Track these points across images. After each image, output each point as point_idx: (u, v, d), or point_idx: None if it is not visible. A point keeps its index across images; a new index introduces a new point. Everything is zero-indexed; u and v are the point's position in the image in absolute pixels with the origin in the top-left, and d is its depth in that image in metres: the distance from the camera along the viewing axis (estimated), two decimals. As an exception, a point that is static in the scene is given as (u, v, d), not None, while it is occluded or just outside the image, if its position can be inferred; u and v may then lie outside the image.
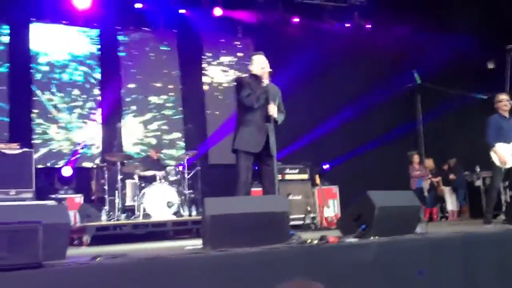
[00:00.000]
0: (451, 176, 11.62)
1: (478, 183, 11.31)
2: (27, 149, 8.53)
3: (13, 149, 8.35)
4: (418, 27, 12.34)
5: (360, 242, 4.15)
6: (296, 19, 12.18)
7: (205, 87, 12.06)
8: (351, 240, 4.22)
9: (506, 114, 7.30)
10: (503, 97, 7.37)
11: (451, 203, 11.65)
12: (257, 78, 5.53)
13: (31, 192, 8.26)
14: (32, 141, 10.08)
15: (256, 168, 5.64)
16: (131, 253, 3.86)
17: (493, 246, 4.53)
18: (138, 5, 11.04)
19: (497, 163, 7.14)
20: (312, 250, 3.80)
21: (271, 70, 5.46)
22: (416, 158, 11.51)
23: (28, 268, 2.95)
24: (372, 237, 4.33)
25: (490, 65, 11.18)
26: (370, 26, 12.53)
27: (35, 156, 8.80)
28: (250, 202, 4.51)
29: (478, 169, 11.25)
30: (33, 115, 10.38)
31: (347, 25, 12.58)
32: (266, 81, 5.42)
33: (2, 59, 10.24)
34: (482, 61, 11.25)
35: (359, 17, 12.38)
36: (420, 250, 4.19)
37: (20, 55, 10.42)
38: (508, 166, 7.13)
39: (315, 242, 3.97)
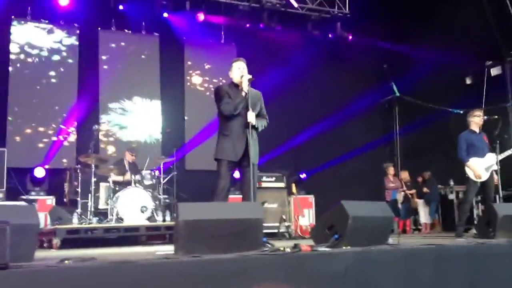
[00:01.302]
0: (425, 189, 11.74)
1: (452, 196, 11.45)
2: (-1, 148, 8.40)
3: (-15, 147, 8.21)
4: (399, 40, 12.49)
5: (332, 251, 4.15)
6: (279, 28, 12.20)
7: (186, 92, 11.99)
8: (324, 249, 4.22)
9: (477, 130, 7.46)
10: (479, 113, 7.53)
11: (424, 216, 11.74)
12: (236, 85, 5.52)
13: (1, 192, 8.13)
14: (5, 140, 9.90)
15: (236, 175, 5.65)
16: (101, 257, 3.80)
17: (464, 259, 4.56)
18: (121, 7, 10.95)
19: (472, 177, 7.26)
20: (284, 258, 3.77)
21: (251, 77, 5.45)
22: (391, 170, 11.62)
23: (-7, 269, 2.88)
24: (344, 247, 4.34)
25: (468, 81, 11.34)
26: (352, 37, 12.62)
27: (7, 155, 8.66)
28: (224, 208, 4.47)
29: (452, 183, 11.39)
30: (8, 114, 10.20)
31: (329, 35, 12.65)
32: (245, 88, 5.41)
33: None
34: (461, 76, 11.41)
35: (341, 28, 12.48)
36: (392, 261, 4.20)
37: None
38: (482, 180, 7.25)
39: (288, 250, 3.95)
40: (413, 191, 11.89)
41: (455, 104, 9.53)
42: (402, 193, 11.72)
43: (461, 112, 8.28)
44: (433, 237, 8.68)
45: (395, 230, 9.79)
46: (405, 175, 11.86)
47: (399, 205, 11.57)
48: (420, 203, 11.81)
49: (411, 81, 10.71)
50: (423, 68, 11.58)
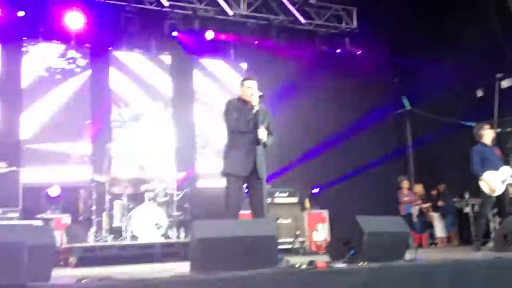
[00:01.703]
0: (440, 203, 11.63)
1: (467, 209, 11.31)
2: (14, 168, 8.46)
3: (0, 167, 8.28)
4: (409, 54, 12.47)
5: (349, 267, 4.12)
6: (288, 44, 12.26)
7: (197, 110, 12.04)
8: (340, 265, 4.19)
9: (489, 143, 7.41)
10: (488, 126, 7.51)
11: (440, 230, 11.62)
12: (246, 102, 5.55)
13: (17, 211, 8.18)
14: (19, 160, 9.97)
15: (246, 191, 5.64)
16: (117, 275, 3.80)
17: (483, 273, 4.50)
18: (131, 27, 11.05)
19: (487, 191, 7.20)
20: (300, 275, 3.76)
21: (262, 94, 5.49)
22: (405, 183, 11.53)
23: (11, 290, 2.90)
24: (361, 263, 4.30)
25: (479, 93, 11.29)
26: (360, 52, 12.64)
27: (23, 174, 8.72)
28: (239, 225, 4.47)
29: (467, 196, 11.27)
30: (21, 134, 10.30)
31: (338, 51, 12.68)
32: (256, 107, 5.44)
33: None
34: (472, 89, 11.36)
35: (350, 43, 12.51)
36: (409, 277, 4.16)
37: (10, 78, 10.38)
38: (497, 193, 7.18)
39: (304, 266, 3.94)
40: (428, 204, 11.79)
41: (466, 117, 9.51)
42: (417, 207, 11.62)
43: (473, 124, 8.23)
44: (450, 251, 8.60)
45: (411, 245, 9.70)
46: (419, 188, 11.76)
47: (414, 219, 11.47)
48: (435, 217, 11.70)
49: (422, 94, 10.71)
50: (433, 81, 11.54)
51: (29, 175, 9.49)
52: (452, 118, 10.03)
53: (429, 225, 11.85)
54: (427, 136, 10.88)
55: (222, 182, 5.60)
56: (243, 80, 5.73)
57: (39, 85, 10.67)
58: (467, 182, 9.24)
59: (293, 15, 11.87)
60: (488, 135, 7.44)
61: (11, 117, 10.26)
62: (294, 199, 10.33)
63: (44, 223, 8.16)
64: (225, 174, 5.49)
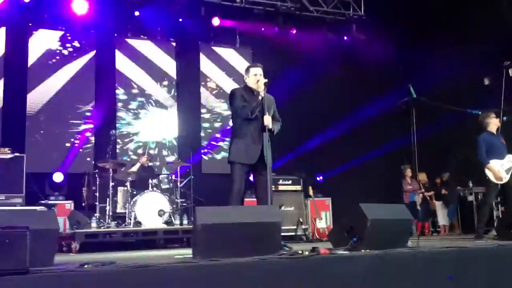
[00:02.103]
0: (443, 191, 11.62)
1: (471, 198, 11.32)
2: (18, 154, 8.47)
3: (4, 153, 8.29)
4: (415, 42, 12.40)
5: (351, 254, 4.12)
6: (295, 31, 12.20)
7: (202, 96, 12.04)
8: (343, 252, 4.19)
9: (495, 131, 7.38)
10: (494, 115, 7.47)
11: (442, 218, 11.63)
12: (251, 89, 5.53)
13: (21, 197, 8.19)
14: (24, 145, 10.00)
15: (251, 178, 5.64)
16: (120, 261, 3.81)
17: (485, 262, 4.50)
18: (137, 13, 11.02)
19: (493, 179, 7.18)
20: (303, 262, 3.76)
21: (266, 80, 5.46)
22: (408, 172, 11.53)
23: (14, 274, 2.90)
24: (363, 250, 4.30)
25: (486, 81, 11.22)
26: (367, 39, 12.56)
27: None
28: (242, 212, 4.47)
29: (471, 184, 11.26)
30: (26, 120, 10.32)
31: (345, 38, 12.61)
32: (261, 93, 5.42)
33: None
34: (479, 77, 11.29)
35: (357, 30, 12.43)
36: (411, 264, 4.16)
37: (16, 62, 10.38)
38: (503, 181, 7.16)
39: (306, 253, 3.94)
40: (432, 193, 11.79)
41: (473, 105, 9.44)
42: (421, 195, 11.62)
43: (480, 113, 8.18)
44: (452, 239, 8.59)
45: (413, 232, 9.71)
46: (423, 177, 11.75)
47: (418, 207, 11.47)
48: (438, 205, 11.71)
49: (428, 83, 10.63)
50: (440, 69, 11.48)
51: (32, 161, 9.49)
52: (459, 107, 9.95)
53: (432, 213, 11.85)
54: (432, 125, 10.82)
55: (226, 169, 5.61)
56: (248, 67, 5.69)
57: (44, 73, 10.66)
58: (471, 171, 9.23)
59: (300, 1, 11.80)
60: (494, 123, 7.41)
61: (16, 99, 10.27)
62: (298, 187, 10.34)
63: (47, 208, 8.18)
64: (231, 161, 5.49)
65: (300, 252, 4.04)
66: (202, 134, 11.88)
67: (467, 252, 4.66)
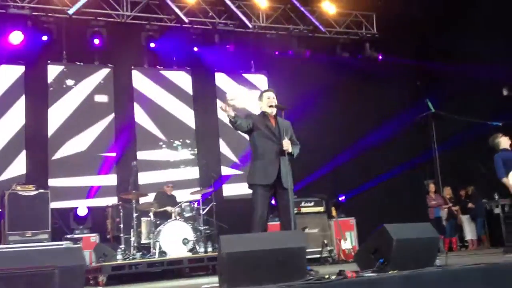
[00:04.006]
0: (470, 205, 11.46)
1: (497, 210, 11.10)
2: (43, 190, 8.59)
3: (29, 190, 8.42)
4: (430, 56, 12.37)
5: (379, 276, 4.07)
6: (309, 53, 12.27)
7: (219, 123, 12.09)
8: (370, 275, 4.15)
9: (509, 147, 7.42)
10: (500, 134, 7.51)
11: (469, 232, 11.45)
12: (266, 114, 5.61)
13: (47, 233, 8.29)
14: (47, 182, 10.12)
15: (273, 202, 5.65)
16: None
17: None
18: (152, 44, 11.19)
19: (512, 191, 7.13)
20: (330, 286, 3.73)
21: (285, 106, 5.55)
22: (432, 187, 11.41)
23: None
24: (391, 271, 4.25)
25: (505, 92, 11.13)
26: (381, 57, 12.58)
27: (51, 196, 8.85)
28: (266, 238, 4.46)
29: (496, 197, 11.06)
30: (49, 156, 10.46)
31: (359, 57, 12.65)
32: (273, 111, 5.56)
33: (18, 95, 10.39)
34: (497, 88, 11.21)
35: (370, 48, 12.46)
36: (441, 283, 4.09)
37: (36, 92, 10.58)
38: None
39: (333, 277, 3.90)
40: (457, 207, 11.63)
41: (493, 117, 9.35)
42: (446, 210, 11.46)
43: (500, 124, 8.13)
44: (481, 254, 8.45)
45: (441, 249, 9.56)
46: (448, 191, 11.62)
47: (444, 223, 11.31)
48: (465, 219, 11.53)
49: (446, 96, 10.57)
50: (457, 82, 11.42)
51: (56, 197, 9.62)
52: (478, 119, 9.87)
53: (459, 228, 11.67)
54: (453, 138, 10.72)
55: (248, 190, 5.63)
56: (261, 93, 5.82)
57: (64, 107, 10.82)
58: (496, 183, 9.08)
59: (313, 23, 11.89)
60: (504, 141, 7.53)
61: (38, 139, 10.42)
62: (321, 208, 10.29)
63: (73, 243, 8.25)
64: (250, 184, 5.53)
65: (326, 276, 4.00)
66: (222, 160, 11.90)
67: (497, 268, 4.57)
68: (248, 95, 5.65)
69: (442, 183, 11.65)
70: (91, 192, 10.52)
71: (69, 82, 10.97)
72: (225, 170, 11.82)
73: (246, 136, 5.77)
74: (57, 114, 10.71)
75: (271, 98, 5.65)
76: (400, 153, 12.21)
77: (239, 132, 5.78)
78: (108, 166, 10.86)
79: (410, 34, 12.22)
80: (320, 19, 12.04)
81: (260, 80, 12.47)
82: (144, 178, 11.11)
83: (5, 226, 8.21)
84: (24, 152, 10.17)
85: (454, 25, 11.85)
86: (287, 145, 5.39)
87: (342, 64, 12.37)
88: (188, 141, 11.76)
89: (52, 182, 10.22)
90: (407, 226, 4.91)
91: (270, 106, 5.59)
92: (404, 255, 4.43)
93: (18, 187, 8.48)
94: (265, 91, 5.84)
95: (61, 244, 7.62)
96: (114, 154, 10.91)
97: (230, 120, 5.48)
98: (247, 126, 5.54)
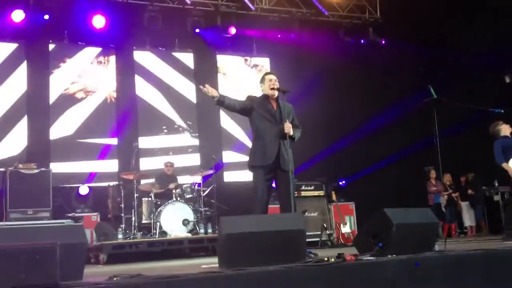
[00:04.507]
0: (470, 191, 11.48)
1: (497, 198, 11.13)
2: (44, 169, 8.62)
3: (31, 169, 8.44)
4: (433, 42, 12.29)
5: (377, 260, 4.10)
6: (311, 37, 12.20)
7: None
8: (369, 258, 4.17)
9: (509, 134, 7.41)
10: (501, 122, 7.52)
11: (468, 219, 11.49)
12: (268, 97, 5.59)
13: (48, 211, 8.33)
14: (50, 160, 10.15)
15: (274, 185, 5.67)
16: (147, 272, 3.85)
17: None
18: (154, 26, 11.12)
19: (512, 176, 7.15)
20: (329, 269, 3.75)
21: (278, 88, 5.54)
22: (433, 173, 11.41)
23: (45, 289, 2.96)
24: (389, 255, 4.27)
25: (507, 79, 11.09)
26: (385, 42, 12.51)
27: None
28: (266, 220, 4.48)
29: (496, 184, 11.08)
30: (51, 135, 10.48)
31: (362, 41, 12.58)
32: (274, 94, 5.54)
33: (22, 80, 10.37)
34: (499, 75, 11.16)
35: (374, 33, 12.39)
36: (439, 268, 4.12)
37: (37, 76, 10.56)
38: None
39: (332, 260, 3.93)
40: (457, 193, 11.65)
41: (495, 103, 9.33)
42: (446, 196, 11.49)
43: (502, 111, 8.13)
44: (480, 240, 8.49)
45: (440, 235, 9.60)
46: (448, 178, 11.63)
47: (443, 209, 11.35)
48: (464, 206, 11.56)
49: (448, 83, 10.54)
50: (459, 69, 11.37)
51: (58, 175, 9.65)
52: (480, 106, 9.85)
53: (458, 215, 11.71)
54: (454, 125, 10.72)
55: (249, 176, 5.64)
56: (263, 76, 5.80)
57: (66, 85, 10.82)
58: (496, 170, 9.10)
59: (316, 7, 11.80)
60: (504, 128, 7.52)
61: (41, 119, 10.44)
62: (321, 192, 10.31)
63: (74, 221, 8.31)
64: (250, 166, 5.54)
65: (325, 259, 4.02)
66: (223, 141, 11.91)
67: (496, 254, 4.60)
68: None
69: (442, 169, 11.67)
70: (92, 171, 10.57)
71: (72, 61, 10.97)
72: (226, 157, 11.80)
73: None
74: (60, 92, 10.73)
75: (273, 80, 5.63)
76: (401, 139, 12.19)
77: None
78: (106, 152, 10.85)
79: (414, 20, 12.13)
80: (323, 3, 11.97)
81: (262, 62, 12.43)
82: (146, 163, 11.09)
83: (6, 204, 8.26)
84: (25, 119, 10.22)
85: (458, 11, 11.76)
86: (288, 128, 5.39)
87: (344, 48, 12.32)
88: (189, 122, 11.75)
89: (54, 160, 10.25)
90: (407, 211, 4.92)
91: (272, 89, 5.58)
92: (403, 240, 4.45)
93: (20, 165, 8.51)
94: (267, 73, 5.82)
95: (63, 222, 7.66)
96: (115, 141, 10.92)
97: (216, 102, 5.42)
98: (239, 106, 5.53)
